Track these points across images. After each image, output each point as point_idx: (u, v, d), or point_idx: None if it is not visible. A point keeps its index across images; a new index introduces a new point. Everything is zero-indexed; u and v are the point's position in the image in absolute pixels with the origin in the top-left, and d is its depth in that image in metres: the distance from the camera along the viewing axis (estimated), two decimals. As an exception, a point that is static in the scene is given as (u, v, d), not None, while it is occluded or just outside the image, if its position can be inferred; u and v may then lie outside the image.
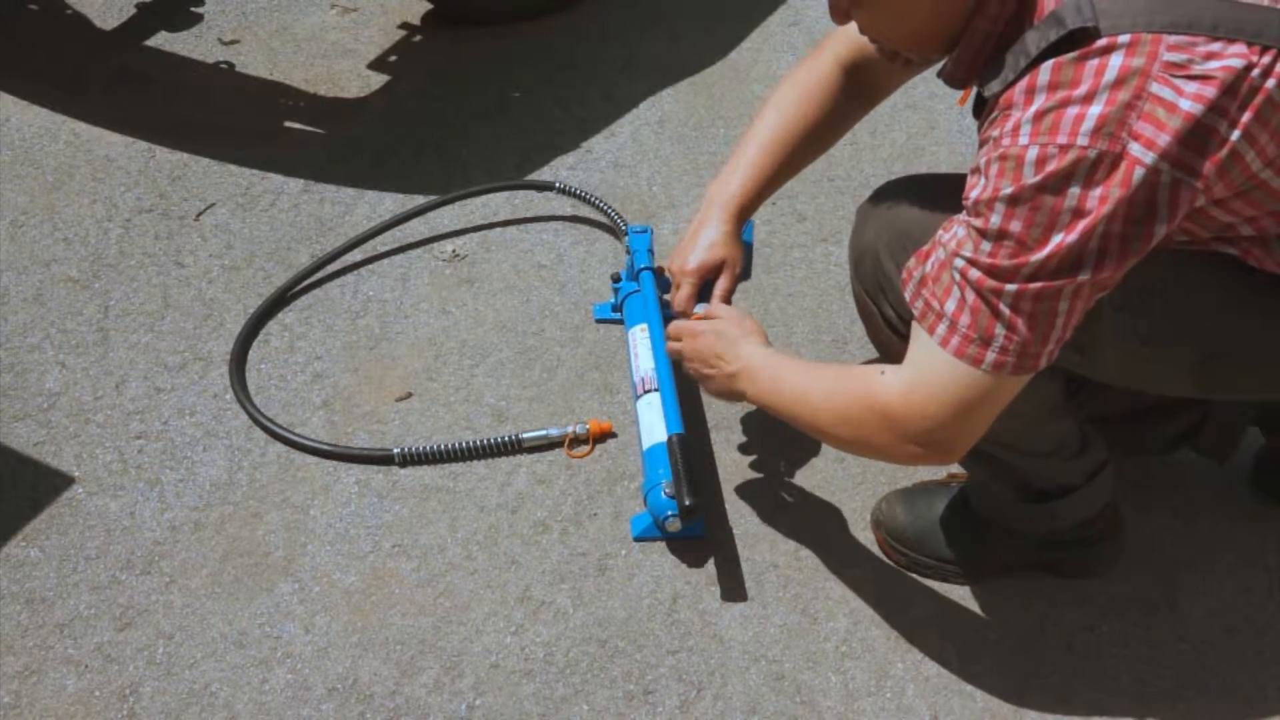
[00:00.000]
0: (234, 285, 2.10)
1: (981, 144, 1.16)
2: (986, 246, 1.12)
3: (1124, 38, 1.05)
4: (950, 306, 1.16)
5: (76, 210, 2.27)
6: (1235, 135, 1.06)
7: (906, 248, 1.29)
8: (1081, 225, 1.07)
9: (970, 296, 1.14)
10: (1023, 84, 1.10)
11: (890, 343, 1.43)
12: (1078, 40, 1.07)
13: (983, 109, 1.22)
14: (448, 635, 1.57)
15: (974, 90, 1.32)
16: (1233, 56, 1.05)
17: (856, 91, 1.56)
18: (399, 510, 1.73)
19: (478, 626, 1.58)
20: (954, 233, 1.17)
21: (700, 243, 1.59)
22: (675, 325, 1.58)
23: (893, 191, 1.44)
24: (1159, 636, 1.56)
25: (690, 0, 2.85)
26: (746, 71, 2.63)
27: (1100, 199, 1.06)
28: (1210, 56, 1.05)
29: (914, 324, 1.21)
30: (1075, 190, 1.06)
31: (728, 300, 1.62)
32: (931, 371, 1.19)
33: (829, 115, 1.57)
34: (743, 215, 1.60)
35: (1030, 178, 1.08)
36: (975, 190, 1.13)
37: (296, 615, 1.59)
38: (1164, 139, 1.04)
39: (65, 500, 1.74)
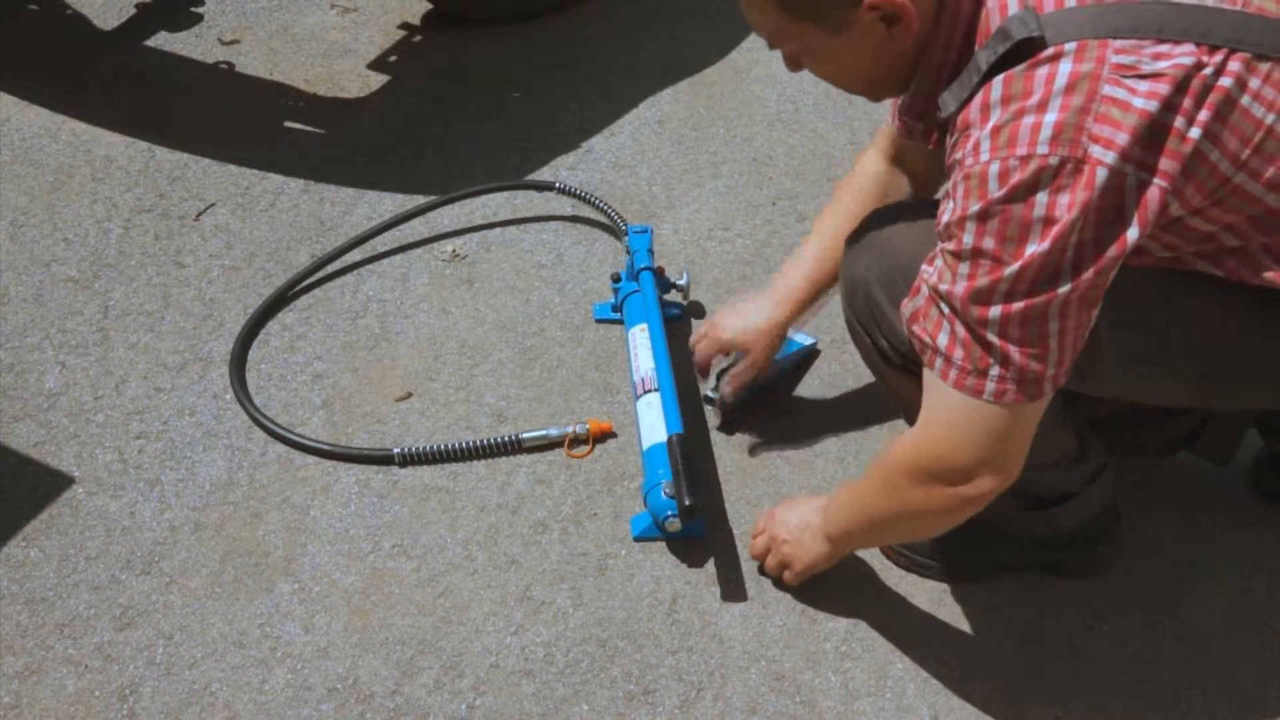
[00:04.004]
0: (234, 285, 2.10)
1: (949, 170, 1.16)
2: (964, 269, 1.12)
3: (1070, 45, 1.06)
4: (943, 341, 1.16)
5: (76, 210, 2.27)
6: (1195, 133, 1.06)
7: (897, 280, 1.30)
8: (1053, 232, 1.07)
9: (960, 330, 1.14)
10: (977, 101, 1.11)
11: (884, 371, 1.43)
12: (1025, 52, 1.08)
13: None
14: (448, 635, 1.57)
15: (935, 130, 1.35)
16: (1181, 55, 1.06)
17: (907, 180, 1.63)
18: (399, 510, 1.73)
19: (478, 626, 1.58)
20: (934, 265, 1.17)
21: (749, 319, 1.67)
22: (755, 551, 1.60)
23: (880, 222, 1.43)
24: (1159, 636, 1.56)
25: (690, 0, 2.85)
26: (746, 71, 2.63)
27: (1068, 205, 1.06)
28: (1159, 57, 1.06)
29: (924, 368, 1.21)
30: (1042, 198, 1.06)
31: (739, 390, 1.72)
32: (941, 411, 1.19)
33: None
34: (798, 310, 1.68)
35: (995, 192, 1.08)
36: (945, 215, 1.14)
37: (296, 615, 1.59)
38: (1122, 138, 1.04)
39: (65, 500, 1.74)
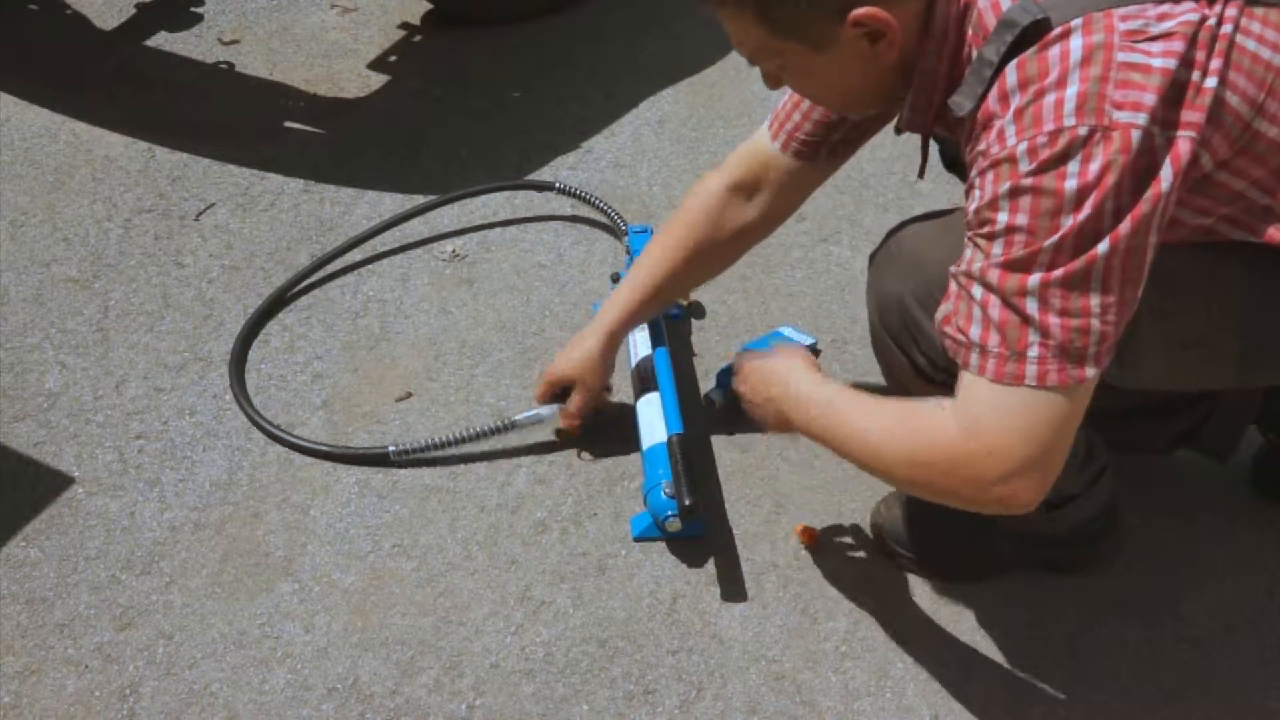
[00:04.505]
0: (234, 285, 2.10)
1: (970, 164, 1.15)
2: (998, 248, 1.09)
3: (1076, 21, 1.07)
4: (976, 332, 1.12)
5: (76, 210, 2.27)
6: (1212, 82, 1.07)
7: (933, 293, 1.26)
8: (1090, 200, 1.05)
9: (995, 313, 1.10)
10: (994, 93, 1.10)
11: (918, 389, 1.39)
12: (1032, 37, 1.08)
13: (954, 166, 1.22)
14: (448, 635, 1.57)
15: (927, 160, 1.37)
16: (1185, 13, 1.07)
17: (756, 208, 1.64)
18: (399, 510, 1.73)
19: (478, 626, 1.58)
20: (963, 257, 1.14)
21: (571, 354, 1.72)
22: (736, 363, 1.54)
23: (907, 234, 1.42)
24: (1159, 636, 1.56)
25: (690, 0, 2.85)
26: (746, 71, 2.63)
27: (1103, 169, 1.04)
28: (1163, 17, 1.07)
29: (960, 371, 1.17)
30: (1073, 167, 1.05)
31: (579, 416, 1.74)
32: (981, 412, 1.14)
33: (717, 238, 1.66)
34: (614, 339, 1.72)
35: (1026, 168, 1.06)
36: (974, 202, 1.12)
37: (296, 615, 1.59)
38: (1149, 98, 1.04)
39: (65, 500, 1.74)
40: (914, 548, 1.62)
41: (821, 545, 1.66)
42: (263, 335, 2.01)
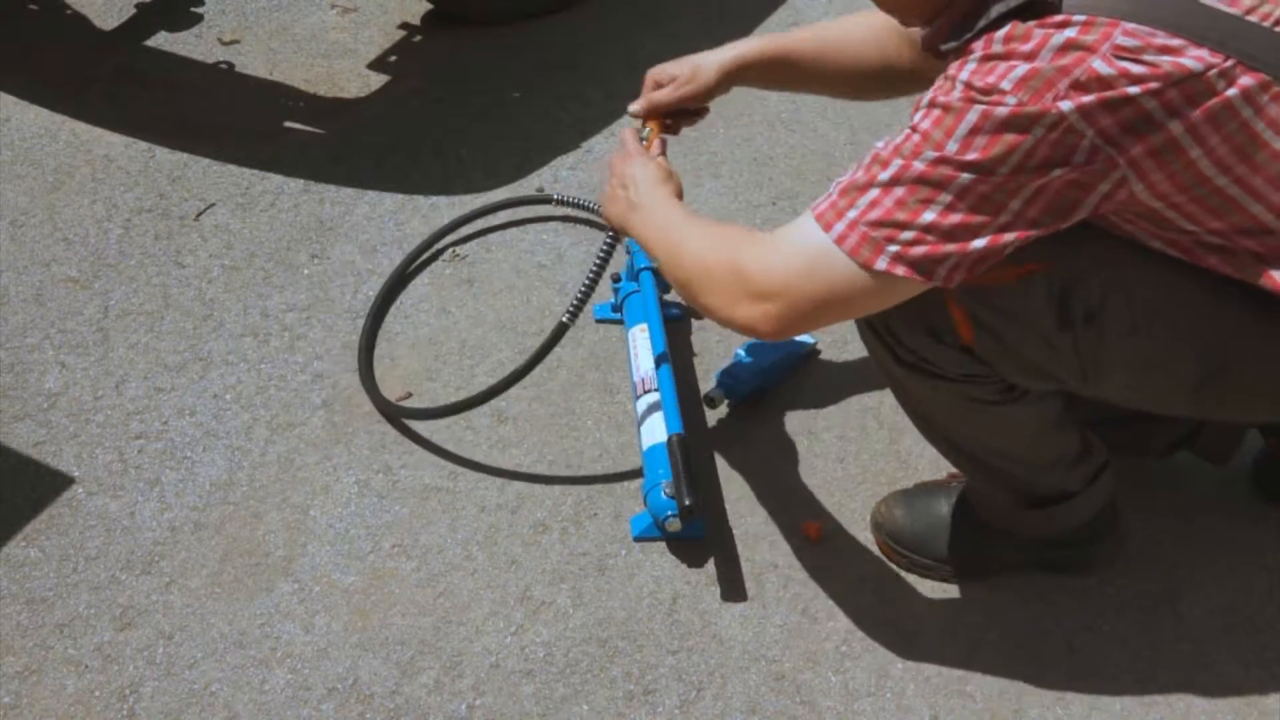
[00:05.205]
0: (234, 285, 2.10)
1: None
2: (898, 138, 1.15)
3: (1079, 17, 1.08)
4: (835, 185, 1.18)
5: (76, 210, 2.27)
6: (1176, 126, 1.07)
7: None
8: (981, 142, 1.08)
9: (856, 174, 1.16)
10: (979, 42, 1.13)
11: (897, 374, 1.40)
12: (1036, 10, 1.10)
13: None
14: (448, 635, 1.57)
15: None
16: (1189, 59, 1.06)
17: (909, 56, 1.57)
18: (399, 510, 1.73)
19: (478, 626, 1.58)
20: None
21: (688, 59, 1.64)
22: (625, 135, 1.63)
23: None
24: (1159, 636, 1.56)
25: (690, 0, 2.85)
26: (746, 71, 2.62)
27: (1012, 125, 1.07)
28: (1165, 51, 1.06)
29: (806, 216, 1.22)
30: (982, 115, 1.08)
31: (654, 106, 1.68)
32: (793, 228, 1.23)
33: (872, 56, 1.60)
34: (740, 62, 1.65)
35: (957, 90, 1.11)
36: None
37: (296, 615, 1.59)
38: (1088, 99, 1.05)
39: (65, 500, 1.74)
40: (914, 548, 1.62)
41: (823, 544, 1.66)
42: (263, 335, 2.00)
